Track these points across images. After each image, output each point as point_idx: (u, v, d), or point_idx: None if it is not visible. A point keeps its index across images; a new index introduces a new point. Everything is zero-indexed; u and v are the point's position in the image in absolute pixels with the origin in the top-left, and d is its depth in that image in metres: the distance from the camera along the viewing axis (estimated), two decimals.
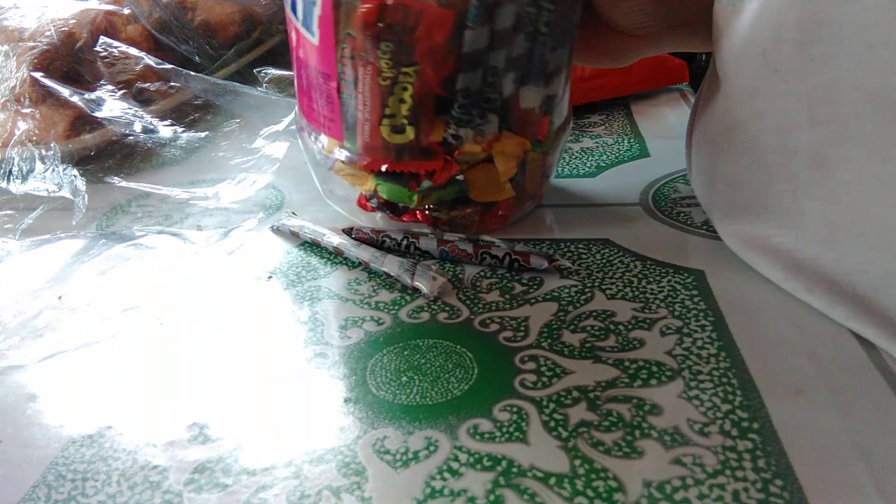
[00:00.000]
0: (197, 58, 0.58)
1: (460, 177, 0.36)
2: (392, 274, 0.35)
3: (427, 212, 0.38)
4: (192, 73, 0.53)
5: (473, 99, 0.33)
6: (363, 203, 0.40)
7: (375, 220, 0.40)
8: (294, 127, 0.48)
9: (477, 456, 0.24)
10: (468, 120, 0.33)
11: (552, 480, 0.23)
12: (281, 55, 0.66)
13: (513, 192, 0.37)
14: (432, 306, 0.33)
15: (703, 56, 0.78)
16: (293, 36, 0.36)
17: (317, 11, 0.32)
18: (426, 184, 0.35)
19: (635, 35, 0.37)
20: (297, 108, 0.40)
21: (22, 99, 0.49)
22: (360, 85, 0.32)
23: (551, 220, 0.40)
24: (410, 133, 0.33)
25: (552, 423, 0.25)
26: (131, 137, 0.49)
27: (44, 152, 0.46)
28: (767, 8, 0.28)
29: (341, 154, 0.36)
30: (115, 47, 0.53)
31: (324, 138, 0.37)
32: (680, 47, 0.41)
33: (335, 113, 0.34)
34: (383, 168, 0.35)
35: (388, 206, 0.38)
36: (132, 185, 0.47)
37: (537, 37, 0.33)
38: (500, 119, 0.34)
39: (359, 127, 0.34)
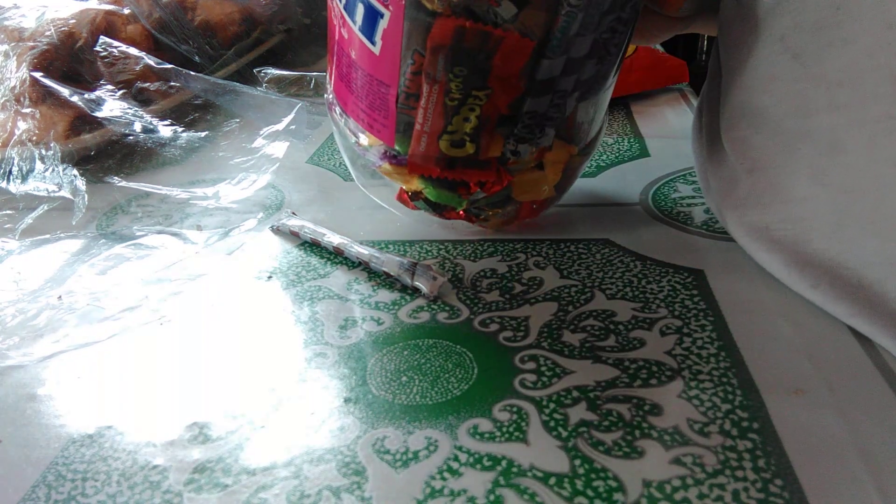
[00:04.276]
0: (197, 58, 0.58)
1: None
2: (392, 274, 0.35)
3: (470, 210, 0.38)
4: (192, 73, 0.53)
5: (538, 119, 0.33)
6: (405, 198, 0.39)
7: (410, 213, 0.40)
8: (293, 127, 0.48)
9: (477, 456, 0.24)
10: (530, 138, 0.33)
11: (552, 480, 0.23)
12: (281, 55, 0.66)
13: (553, 192, 0.37)
14: (432, 306, 0.33)
15: (703, 56, 0.78)
16: (340, 30, 0.34)
17: (383, 24, 0.31)
18: (479, 193, 0.35)
19: (672, 17, 0.38)
20: (330, 89, 0.38)
21: (22, 99, 0.49)
22: (423, 101, 0.31)
23: (551, 220, 0.40)
24: (470, 148, 0.33)
25: (552, 423, 0.25)
26: (131, 137, 0.49)
27: (44, 152, 0.46)
28: None
29: (378, 151, 0.35)
30: (115, 47, 0.53)
31: (363, 134, 0.36)
32: (705, 30, 0.42)
33: (390, 119, 0.33)
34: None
35: (431, 205, 0.38)
36: (132, 185, 0.47)
37: (606, 58, 0.33)
38: (556, 132, 0.34)
39: (414, 136, 0.33)
